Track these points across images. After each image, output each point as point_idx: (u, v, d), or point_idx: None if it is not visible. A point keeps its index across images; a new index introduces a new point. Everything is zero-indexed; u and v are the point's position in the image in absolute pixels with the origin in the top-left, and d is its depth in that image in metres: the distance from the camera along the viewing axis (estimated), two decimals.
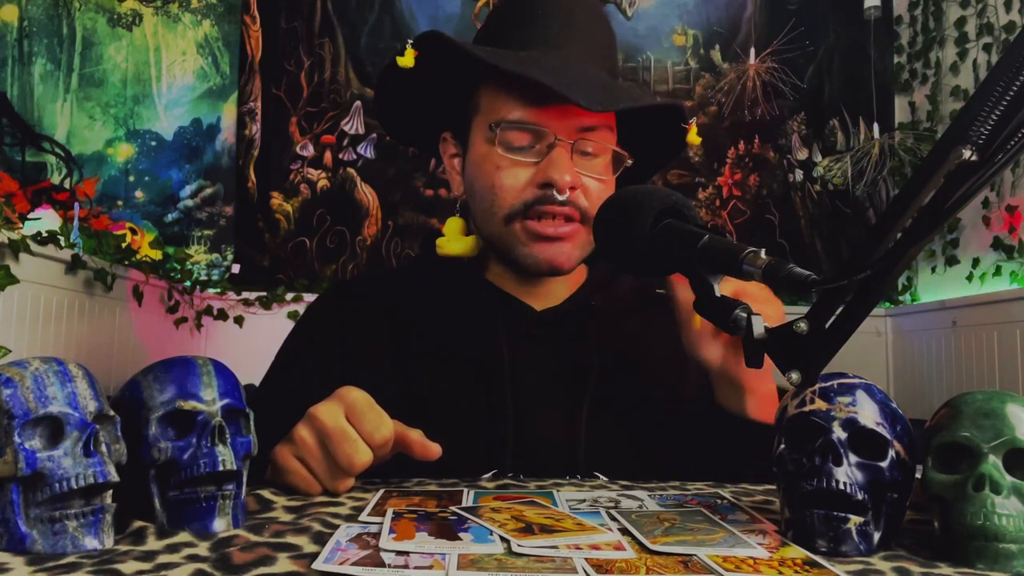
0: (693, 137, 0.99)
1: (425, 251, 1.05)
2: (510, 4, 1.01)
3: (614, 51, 1.03)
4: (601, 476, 0.88)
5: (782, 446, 0.60)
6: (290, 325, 1.06)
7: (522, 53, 0.92)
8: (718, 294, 0.63)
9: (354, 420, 0.70)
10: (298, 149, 3.43)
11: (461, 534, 0.55)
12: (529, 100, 0.90)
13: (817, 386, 0.60)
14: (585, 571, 0.48)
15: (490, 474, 0.87)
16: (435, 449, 0.73)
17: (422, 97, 1.01)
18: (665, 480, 0.84)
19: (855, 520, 0.55)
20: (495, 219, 0.93)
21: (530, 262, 0.92)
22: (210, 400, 0.59)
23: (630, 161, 0.96)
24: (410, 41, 0.93)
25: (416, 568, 0.48)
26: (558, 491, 0.72)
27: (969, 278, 3.00)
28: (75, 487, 0.51)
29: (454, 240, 1.00)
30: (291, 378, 1.00)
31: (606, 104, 0.88)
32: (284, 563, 0.50)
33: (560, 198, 0.89)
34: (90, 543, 0.51)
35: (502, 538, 0.54)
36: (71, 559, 0.50)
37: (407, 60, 0.92)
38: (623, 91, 0.94)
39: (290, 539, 0.55)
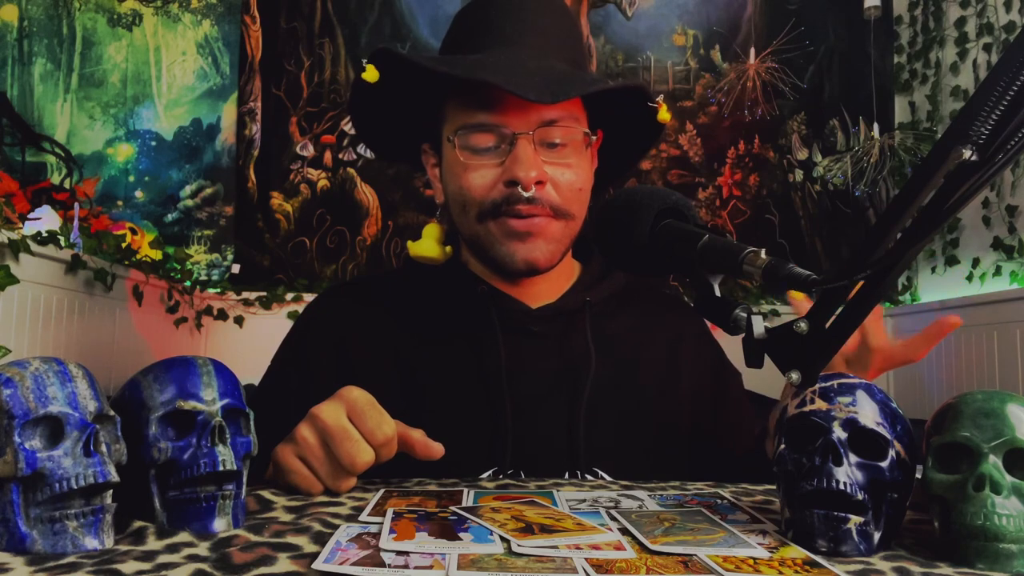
0: (664, 114, 0.98)
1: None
2: (466, 11, 1.01)
3: (577, 41, 1.02)
4: (601, 472, 0.88)
5: (782, 446, 0.60)
6: (290, 325, 1.06)
7: (472, 56, 0.92)
8: (718, 294, 0.63)
9: (356, 419, 0.70)
10: (298, 149, 3.43)
11: (461, 534, 0.55)
12: (484, 103, 0.90)
13: (817, 386, 0.60)
14: (585, 571, 0.48)
15: (489, 472, 0.87)
16: (438, 448, 0.74)
17: (396, 113, 1.02)
18: (664, 476, 0.84)
19: (855, 520, 0.55)
20: (469, 219, 0.94)
21: (508, 261, 0.93)
22: (210, 400, 0.59)
23: (594, 138, 0.96)
24: (364, 60, 0.94)
25: (416, 568, 0.48)
26: (558, 491, 0.72)
27: (969, 278, 3.00)
28: (75, 487, 0.51)
29: (425, 242, 1.00)
30: (289, 377, 1.00)
31: (557, 94, 0.87)
32: (284, 563, 0.50)
33: (526, 195, 0.89)
34: (90, 543, 0.51)
35: (502, 538, 0.54)
36: (71, 559, 0.49)
37: (370, 75, 0.93)
38: (578, 79, 0.93)
39: (290, 539, 0.55)
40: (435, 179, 1.03)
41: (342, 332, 1.00)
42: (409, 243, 1.02)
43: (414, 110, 1.01)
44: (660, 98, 0.99)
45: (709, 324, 1.02)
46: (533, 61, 0.92)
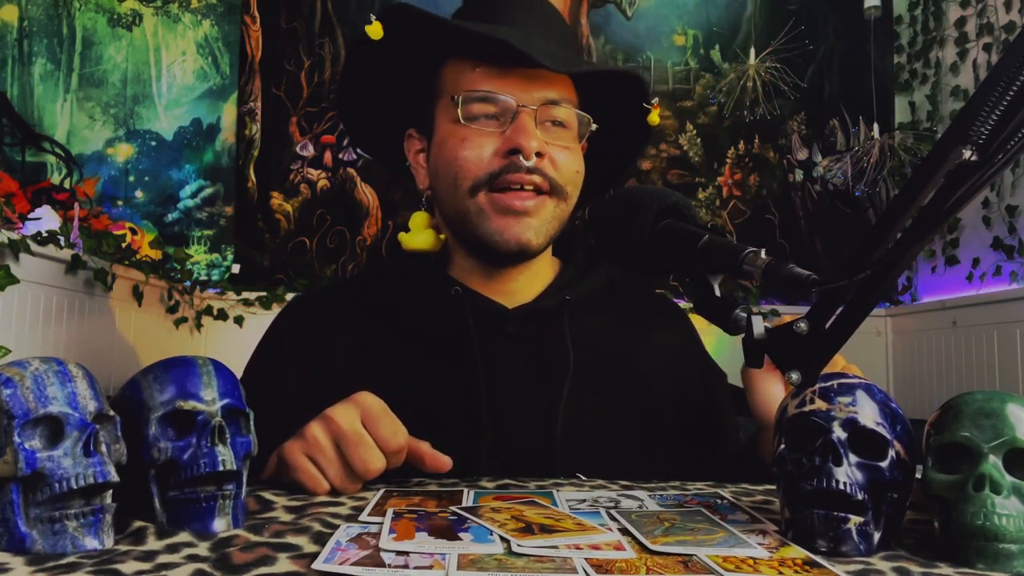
0: (654, 117, 0.98)
1: (392, 253, 1.04)
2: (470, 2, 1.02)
3: (576, 39, 1.06)
4: (581, 477, 0.88)
5: (782, 446, 0.60)
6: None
7: (484, 25, 0.92)
8: (718, 294, 0.63)
9: (369, 425, 0.70)
10: (298, 149, 3.43)
11: (461, 534, 0.55)
12: (493, 70, 0.90)
13: (817, 386, 0.60)
14: (585, 571, 0.48)
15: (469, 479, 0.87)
16: (446, 461, 0.73)
17: (386, 88, 1.00)
18: (644, 479, 0.84)
19: (855, 520, 0.55)
20: (460, 192, 0.91)
21: (497, 239, 0.90)
22: (210, 400, 0.59)
23: (595, 126, 0.96)
24: (373, 16, 0.91)
25: (416, 568, 0.48)
26: (558, 491, 0.72)
27: (969, 278, 3.00)
28: (75, 487, 0.51)
29: (416, 233, 0.99)
30: (265, 383, 0.96)
31: (569, 66, 0.88)
32: (284, 563, 0.50)
33: (527, 164, 0.88)
34: (90, 543, 0.51)
35: (502, 538, 0.54)
36: (71, 559, 0.49)
37: (375, 31, 0.91)
38: (587, 61, 0.95)
39: (290, 539, 0.55)
40: (419, 165, 1.01)
41: (316, 341, 0.97)
42: (400, 236, 0.99)
43: (406, 83, 0.99)
44: (656, 101, 0.99)
45: (695, 321, 1.01)
46: (541, 40, 0.92)
